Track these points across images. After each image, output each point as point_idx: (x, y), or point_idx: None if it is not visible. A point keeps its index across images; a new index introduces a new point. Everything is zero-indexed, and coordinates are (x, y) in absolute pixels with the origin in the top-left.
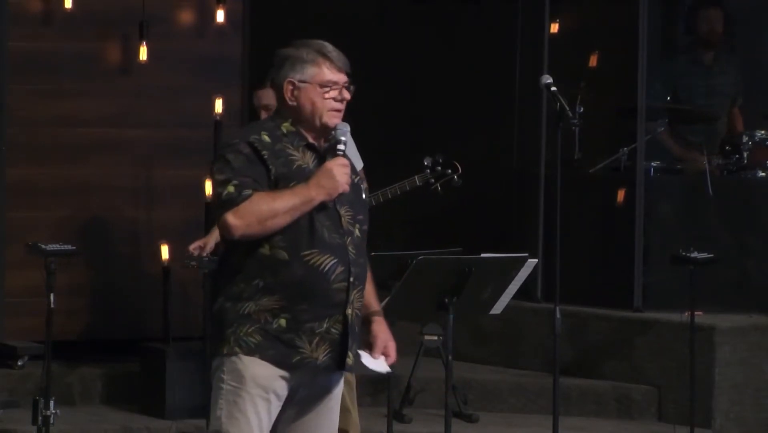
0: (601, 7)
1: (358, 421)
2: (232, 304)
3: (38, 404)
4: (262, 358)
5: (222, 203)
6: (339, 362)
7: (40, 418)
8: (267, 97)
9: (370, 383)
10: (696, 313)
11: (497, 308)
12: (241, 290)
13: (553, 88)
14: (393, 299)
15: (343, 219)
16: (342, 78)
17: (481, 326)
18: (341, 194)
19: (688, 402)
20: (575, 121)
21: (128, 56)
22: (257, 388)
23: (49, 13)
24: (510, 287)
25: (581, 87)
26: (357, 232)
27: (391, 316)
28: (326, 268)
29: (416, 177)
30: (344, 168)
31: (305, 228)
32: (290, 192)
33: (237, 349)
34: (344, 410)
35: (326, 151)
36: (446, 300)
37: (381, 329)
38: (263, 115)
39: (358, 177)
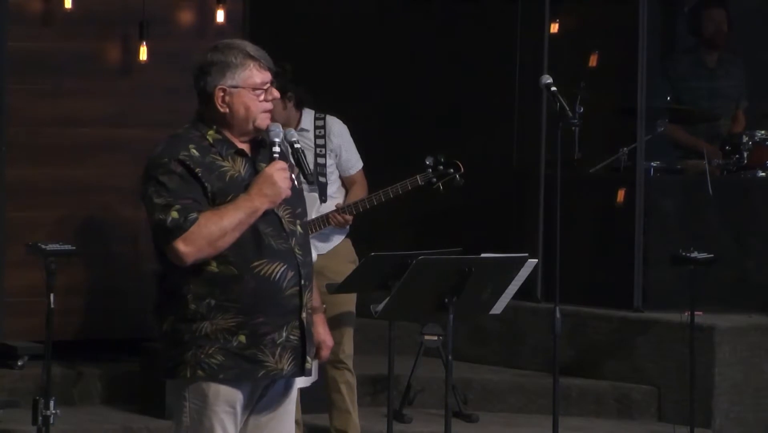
0: (601, 7)
1: (357, 422)
2: (186, 325)
3: (38, 404)
4: (226, 378)
5: (168, 231)
6: (302, 368)
7: (40, 418)
8: None
9: (370, 383)
10: (696, 313)
11: (497, 308)
12: (194, 311)
13: (553, 88)
14: (393, 299)
15: (283, 221)
16: (269, 77)
17: (481, 326)
18: (287, 198)
19: (688, 402)
20: (575, 121)
21: (128, 56)
22: (223, 404)
23: (49, 13)
24: (510, 287)
25: (581, 87)
26: (299, 229)
27: (391, 316)
28: (277, 276)
29: (418, 177)
30: (284, 172)
31: (249, 239)
32: (233, 207)
33: (200, 372)
34: (344, 411)
35: (255, 154)
36: (446, 300)
37: (318, 331)
38: None
39: (289, 163)
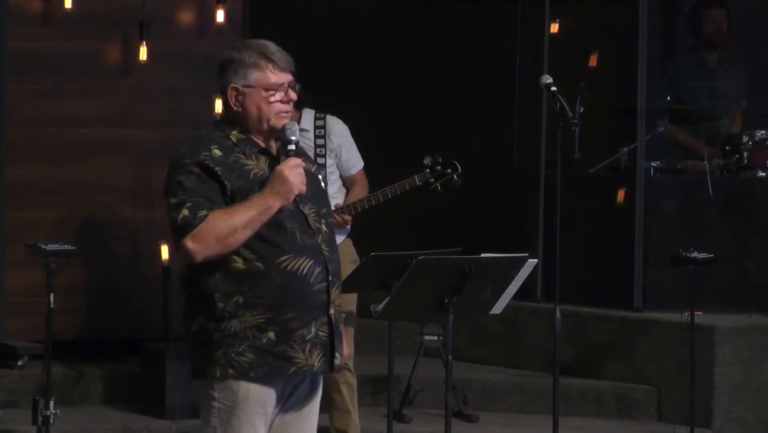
0: (601, 7)
1: (357, 422)
2: (215, 324)
3: (38, 404)
4: (257, 376)
5: (179, 228)
6: (331, 364)
7: (40, 418)
8: None
9: (370, 383)
10: (696, 313)
11: (497, 308)
12: (222, 309)
13: (553, 88)
14: (393, 299)
15: (309, 218)
16: (286, 78)
17: (481, 326)
18: (301, 194)
19: (688, 402)
20: (575, 121)
21: (128, 56)
22: (254, 405)
23: (49, 13)
24: (510, 287)
25: (581, 87)
26: (324, 227)
27: (391, 316)
28: (304, 271)
29: (416, 177)
30: (296, 169)
31: (275, 235)
32: (246, 204)
33: (231, 371)
34: (344, 411)
35: (278, 153)
36: (446, 300)
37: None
38: None
39: (315, 165)
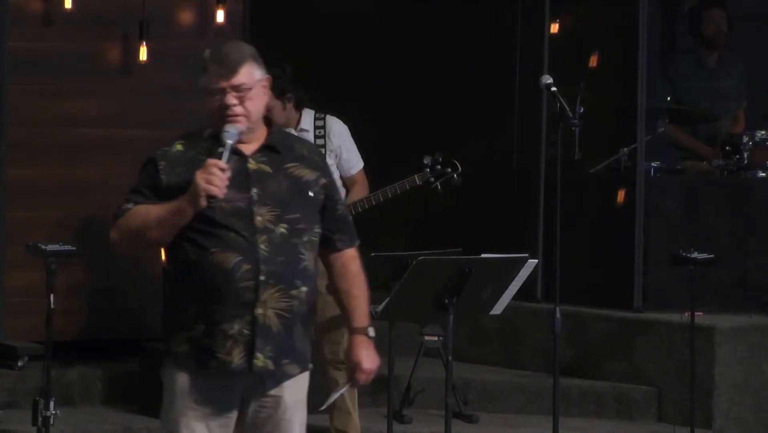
0: (601, 7)
1: (358, 423)
2: (166, 315)
3: (38, 404)
4: (187, 367)
5: (112, 217)
6: (251, 365)
7: (40, 418)
8: None
9: (370, 383)
10: (696, 313)
11: (497, 309)
12: (169, 300)
13: (553, 89)
14: (393, 299)
15: (256, 218)
16: (225, 84)
17: (481, 326)
18: (264, 193)
19: (688, 402)
20: (575, 121)
21: (128, 56)
22: (187, 400)
23: (49, 13)
24: (510, 287)
25: (581, 87)
26: (281, 230)
27: (391, 316)
28: (230, 266)
29: (416, 176)
30: (209, 173)
31: (211, 228)
32: (165, 204)
33: (170, 361)
34: (345, 412)
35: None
36: (446, 300)
37: (353, 353)
38: None
39: (317, 175)
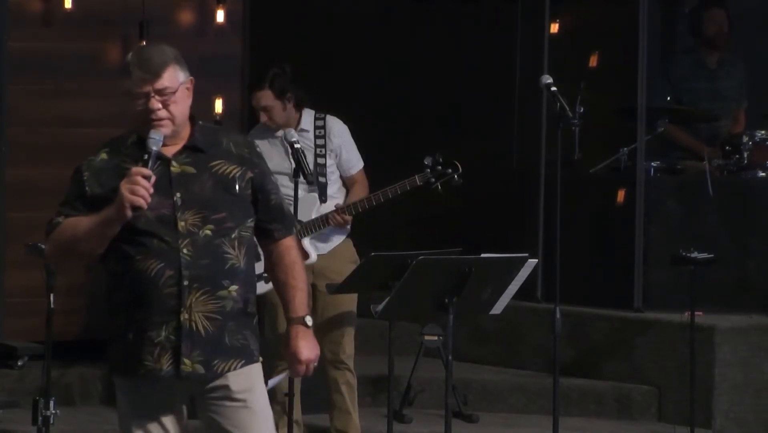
0: (601, 7)
1: (358, 422)
2: (108, 322)
3: (38, 404)
4: (123, 373)
5: (45, 232)
6: (178, 370)
7: (40, 418)
8: (265, 98)
9: (370, 383)
10: (696, 313)
11: (497, 308)
12: (108, 307)
13: (553, 88)
14: (393, 299)
15: (180, 223)
16: (148, 88)
17: (481, 326)
18: (188, 196)
19: (688, 402)
20: (575, 121)
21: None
22: (134, 405)
23: (49, 13)
24: (510, 287)
25: (581, 87)
26: (206, 232)
27: (391, 316)
28: (152, 273)
29: (417, 177)
30: (133, 182)
31: (135, 236)
32: (94, 216)
33: (111, 370)
34: (345, 412)
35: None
36: (446, 300)
37: (291, 343)
38: (262, 117)
39: (243, 169)
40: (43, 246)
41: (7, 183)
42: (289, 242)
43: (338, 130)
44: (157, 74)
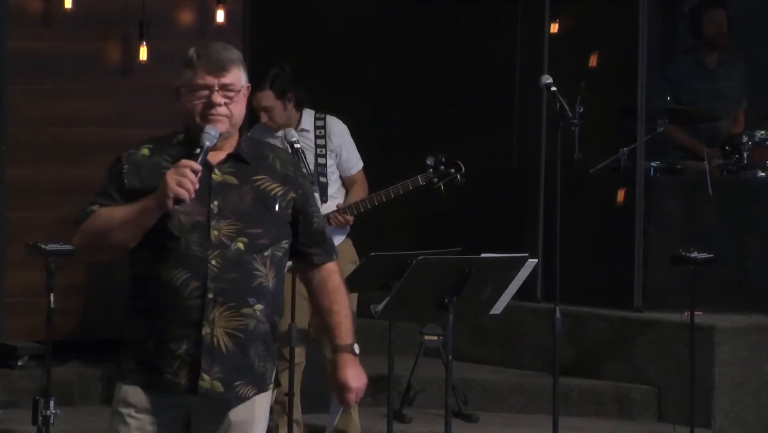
0: (601, 7)
1: (358, 422)
2: (124, 326)
3: (38, 404)
4: (135, 382)
5: (75, 222)
6: (196, 386)
7: (40, 418)
8: (266, 98)
9: (370, 383)
10: (696, 313)
11: (497, 308)
12: (127, 314)
13: (553, 88)
14: (393, 299)
15: (212, 232)
16: (214, 81)
17: (481, 326)
18: (225, 205)
19: (688, 402)
20: (575, 121)
21: (128, 56)
22: (127, 407)
23: (49, 13)
24: (510, 287)
25: (581, 87)
26: (238, 245)
27: (391, 316)
28: (178, 283)
29: (419, 177)
30: (181, 174)
31: (165, 241)
32: (130, 205)
33: (119, 376)
34: (345, 412)
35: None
36: (446, 300)
37: (340, 373)
38: (262, 117)
39: (286, 189)
40: (43, 246)
41: (7, 183)
42: (331, 267)
43: (338, 130)
44: (225, 69)
